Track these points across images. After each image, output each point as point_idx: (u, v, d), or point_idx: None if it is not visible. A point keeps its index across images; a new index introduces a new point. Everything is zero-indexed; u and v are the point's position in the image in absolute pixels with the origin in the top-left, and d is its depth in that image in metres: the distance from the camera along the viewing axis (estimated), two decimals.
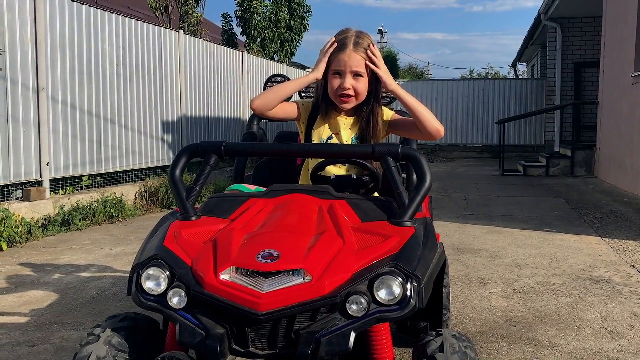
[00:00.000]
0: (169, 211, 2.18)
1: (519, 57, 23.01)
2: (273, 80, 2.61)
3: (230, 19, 13.65)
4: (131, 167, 7.54)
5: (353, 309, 1.51)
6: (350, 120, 2.23)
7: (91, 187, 6.68)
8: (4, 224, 4.80)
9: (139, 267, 1.65)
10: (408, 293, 1.54)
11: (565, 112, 13.76)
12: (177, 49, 8.59)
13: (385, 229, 1.72)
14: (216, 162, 1.92)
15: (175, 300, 1.57)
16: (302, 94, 2.61)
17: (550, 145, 14.90)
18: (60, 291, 3.61)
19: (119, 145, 7.28)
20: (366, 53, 2.10)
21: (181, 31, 8.85)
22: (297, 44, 14.24)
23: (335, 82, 2.13)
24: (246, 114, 11.03)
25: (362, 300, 1.50)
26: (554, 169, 11.36)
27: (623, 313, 3.19)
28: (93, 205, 6.08)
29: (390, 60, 21.15)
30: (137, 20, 7.77)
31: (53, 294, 3.57)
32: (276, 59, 13.64)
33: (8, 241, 4.77)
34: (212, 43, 9.98)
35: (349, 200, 1.87)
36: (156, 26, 8.28)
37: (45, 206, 5.82)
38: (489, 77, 43.20)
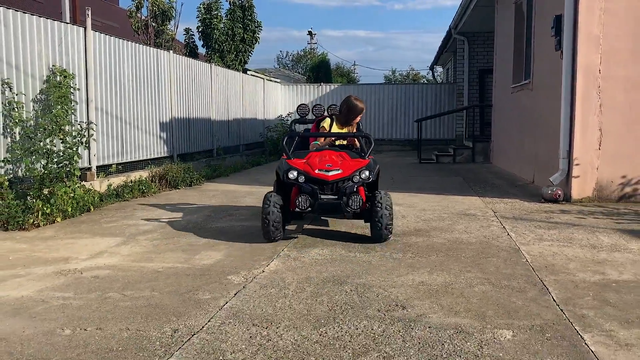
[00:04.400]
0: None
1: (436, 61, 26.34)
2: (301, 107, 5.22)
3: (192, 33, 15.94)
4: (140, 158, 9.88)
5: (354, 180, 4.48)
6: (344, 128, 5.14)
7: (118, 173, 8.99)
8: (89, 194, 7.13)
9: (284, 172, 4.55)
10: (371, 175, 4.52)
11: (471, 111, 16.91)
12: (168, 65, 10.94)
13: (359, 160, 4.67)
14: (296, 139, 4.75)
15: (301, 179, 4.52)
16: (315, 112, 5.29)
17: (460, 139, 18.05)
18: (160, 226, 6.05)
19: (133, 142, 9.62)
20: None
21: (171, 51, 11.19)
22: (250, 54, 16.70)
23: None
24: (213, 114, 13.45)
25: (357, 177, 4.49)
26: (460, 157, 14.42)
27: (476, 226, 6.01)
28: (129, 184, 8.43)
29: (325, 66, 23.88)
30: (145, 45, 10.05)
31: (157, 227, 6.00)
32: (232, 67, 16.05)
33: (92, 205, 7.09)
34: (191, 58, 12.36)
35: (346, 152, 4.80)
36: (153, 48, 10.60)
37: (95, 185, 8.12)
38: (411, 77, 46.86)
